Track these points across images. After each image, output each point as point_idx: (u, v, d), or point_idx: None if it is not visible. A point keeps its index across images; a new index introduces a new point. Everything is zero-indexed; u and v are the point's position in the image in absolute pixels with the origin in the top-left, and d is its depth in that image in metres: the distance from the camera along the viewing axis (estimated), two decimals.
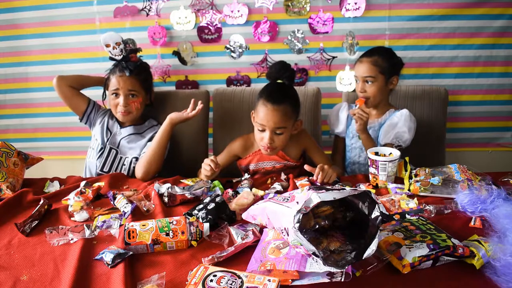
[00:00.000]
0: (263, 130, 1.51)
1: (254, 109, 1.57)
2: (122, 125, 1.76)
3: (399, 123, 1.73)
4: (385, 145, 1.71)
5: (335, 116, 1.91)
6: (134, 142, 1.72)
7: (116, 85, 1.66)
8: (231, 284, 0.79)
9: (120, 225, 1.10)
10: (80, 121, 1.80)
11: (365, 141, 1.66)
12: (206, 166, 1.42)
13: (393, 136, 1.71)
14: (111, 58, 1.73)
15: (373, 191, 1.28)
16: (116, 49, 1.70)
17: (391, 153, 1.40)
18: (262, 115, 1.49)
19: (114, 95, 1.68)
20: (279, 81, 1.59)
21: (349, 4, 2.03)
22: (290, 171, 1.59)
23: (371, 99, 1.73)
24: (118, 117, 1.72)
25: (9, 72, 2.24)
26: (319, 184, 1.38)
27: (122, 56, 1.73)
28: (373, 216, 0.85)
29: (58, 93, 1.74)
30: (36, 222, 1.15)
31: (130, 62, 1.69)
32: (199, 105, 1.67)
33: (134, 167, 1.65)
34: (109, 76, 1.70)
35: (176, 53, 2.14)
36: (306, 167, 1.42)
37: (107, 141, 1.71)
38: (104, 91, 1.77)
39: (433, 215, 1.13)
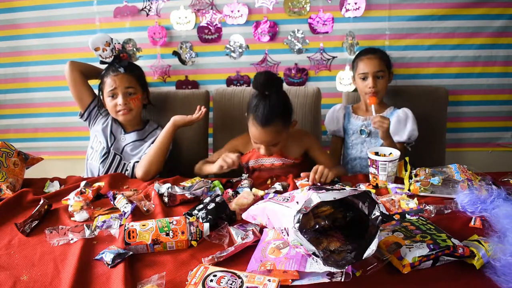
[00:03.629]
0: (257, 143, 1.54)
1: (247, 115, 1.54)
2: (125, 130, 1.75)
3: (408, 121, 1.78)
4: (398, 143, 1.75)
5: (330, 116, 1.94)
6: (138, 148, 1.72)
7: (113, 84, 1.63)
8: (231, 284, 0.79)
9: (120, 225, 1.10)
10: (80, 117, 1.77)
11: (389, 146, 1.65)
12: (228, 159, 1.44)
13: (407, 135, 1.77)
14: (102, 62, 1.69)
15: (373, 191, 1.28)
16: (106, 50, 1.65)
17: (391, 153, 1.40)
18: (254, 134, 1.50)
19: (111, 96, 1.65)
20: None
21: (349, 4, 2.03)
22: (289, 169, 1.60)
23: (380, 93, 1.79)
24: (119, 118, 1.70)
25: (9, 72, 2.24)
26: (318, 184, 1.38)
27: (113, 57, 1.69)
28: (373, 216, 0.85)
29: (68, 79, 1.73)
30: (36, 222, 1.15)
31: (122, 61, 1.68)
32: (202, 109, 1.69)
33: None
34: (103, 80, 1.68)
35: (176, 53, 2.14)
36: (302, 175, 1.42)
37: (111, 146, 1.70)
38: (99, 97, 1.74)
39: (433, 215, 1.13)
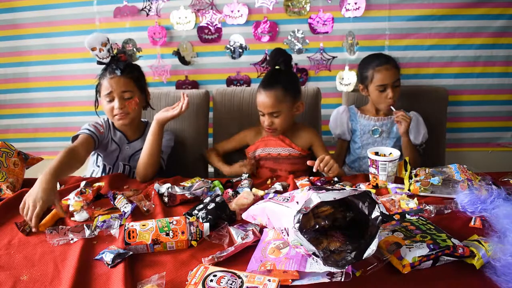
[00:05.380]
0: (263, 115, 1.64)
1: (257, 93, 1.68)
2: (129, 139, 1.69)
3: (420, 124, 1.83)
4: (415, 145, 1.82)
5: (335, 120, 1.93)
6: None
7: (109, 88, 1.58)
8: (231, 284, 0.79)
9: (120, 225, 1.10)
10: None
11: (406, 143, 1.74)
12: (244, 169, 1.61)
13: (422, 138, 1.84)
14: (99, 62, 1.64)
15: (373, 191, 1.28)
16: (103, 50, 1.60)
17: (391, 153, 1.40)
18: (258, 101, 1.64)
19: (108, 100, 1.60)
20: (276, 67, 1.66)
21: (349, 4, 2.03)
22: (295, 161, 1.65)
23: (396, 100, 1.79)
24: (115, 122, 1.65)
25: (9, 72, 2.24)
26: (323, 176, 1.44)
27: (110, 57, 1.62)
28: (373, 216, 0.85)
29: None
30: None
31: (119, 62, 1.62)
32: (186, 98, 1.54)
33: None
34: (100, 82, 1.63)
35: (176, 53, 2.14)
36: (309, 162, 1.43)
37: (117, 159, 1.67)
38: (96, 99, 1.69)
39: (433, 215, 1.13)
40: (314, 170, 1.40)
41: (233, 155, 1.82)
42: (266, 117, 1.62)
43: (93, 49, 1.62)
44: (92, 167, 1.72)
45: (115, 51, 1.64)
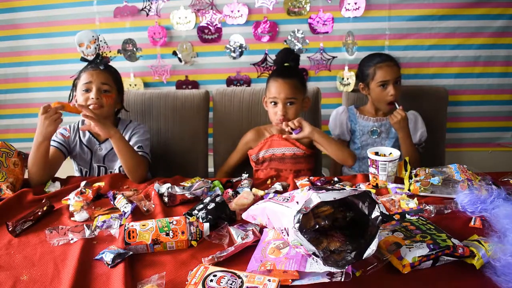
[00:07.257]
0: (275, 105, 1.64)
1: (265, 92, 1.71)
2: (99, 140, 1.66)
3: (418, 123, 1.83)
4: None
5: (334, 121, 1.94)
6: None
7: (89, 78, 1.56)
8: (231, 284, 0.79)
9: (120, 225, 1.10)
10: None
11: (401, 138, 1.75)
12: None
13: (418, 136, 1.83)
14: (83, 59, 1.64)
15: (373, 191, 1.28)
16: (90, 48, 1.62)
17: (391, 153, 1.40)
18: (274, 89, 1.63)
19: (85, 90, 1.57)
20: (286, 64, 1.70)
21: (349, 4, 2.03)
22: (300, 160, 1.65)
23: (398, 98, 1.78)
24: None
25: (9, 72, 2.24)
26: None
27: (94, 55, 1.63)
28: (373, 216, 0.85)
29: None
30: (29, 223, 1.13)
31: (103, 60, 1.64)
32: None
33: (123, 170, 1.57)
34: (79, 75, 1.61)
35: (176, 53, 2.14)
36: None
37: (91, 160, 1.65)
38: (71, 93, 1.66)
39: (433, 215, 1.13)
40: (286, 129, 1.59)
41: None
42: (280, 107, 1.62)
43: (80, 45, 1.62)
44: (76, 172, 1.72)
45: (104, 54, 1.64)
